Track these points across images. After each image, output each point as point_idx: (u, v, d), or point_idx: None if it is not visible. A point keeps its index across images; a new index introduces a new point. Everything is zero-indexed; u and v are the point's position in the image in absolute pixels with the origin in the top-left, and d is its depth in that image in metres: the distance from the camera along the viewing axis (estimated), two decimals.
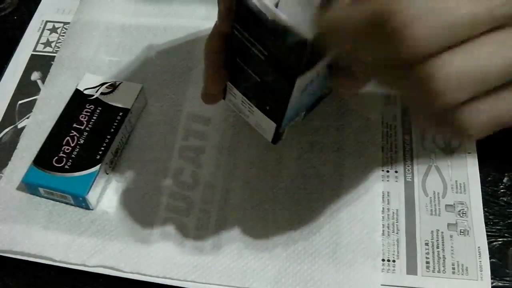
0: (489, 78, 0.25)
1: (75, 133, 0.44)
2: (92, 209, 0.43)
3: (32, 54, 0.53)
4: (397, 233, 0.41)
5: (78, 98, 0.47)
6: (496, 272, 0.40)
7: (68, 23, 0.55)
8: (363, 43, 0.26)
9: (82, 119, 0.45)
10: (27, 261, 0.41)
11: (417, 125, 0.46)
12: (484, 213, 0.42)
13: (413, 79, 0.25)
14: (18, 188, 0.44)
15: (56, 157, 0.43)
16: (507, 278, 0.39)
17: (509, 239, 0.41)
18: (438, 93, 0.25)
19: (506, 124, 0.27)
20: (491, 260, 0.40)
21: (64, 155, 0.43)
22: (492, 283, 0.39)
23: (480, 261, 0.40)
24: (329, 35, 0.27)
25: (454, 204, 0.42)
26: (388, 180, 0.44)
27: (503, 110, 0.27)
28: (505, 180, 0.44)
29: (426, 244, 0.41)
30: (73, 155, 0.43)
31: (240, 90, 0.38)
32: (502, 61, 0.25)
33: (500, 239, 0.41)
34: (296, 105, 0.36)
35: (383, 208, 0.42)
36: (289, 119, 0.38)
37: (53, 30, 0.55)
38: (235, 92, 0.39)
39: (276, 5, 0.32)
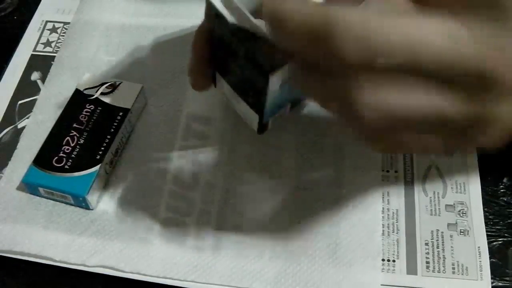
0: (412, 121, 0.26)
1: (75, 133, 0.44)
2: (92, 209, 0.43)
3: (32, 54, 0.53)
4: (397, 233, 0.41)
5: (78, 98, 0.47)
6: (496, 272, 0.40)
7: (68, 23, 0.55)
8: (302, 42, 0.26)
9: (82, 119, 0.45)
10: (27, 261, 0.41)
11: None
12: (484, 213, 0.42)
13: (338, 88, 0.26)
14: (18, 188, 0.44)
15: (56, 157, 0.43)
16: (507, 278, 0.39)
17: (509, 239, 0.41)
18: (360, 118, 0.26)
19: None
20: (491, 260, 0.40)
21: (64, 155, 0.43)
22: (492, 283, 0.39)
23: (480, 261, 0.40)
24: (273, 26, 0.27)
25: (454, 204, 0.43)
26: (388, 180, 0.44)
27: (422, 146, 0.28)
28: (505, 180, 0.44)
29: (426, 244, 0.41)
30: (73, 155, 0.43)
31: (226, 81, 0.39)
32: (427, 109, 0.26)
33: (500, 239, 0.41)
34: (277, 99, 0.36)
35: (383, 208, 0.42)
36: (272, 112, 0.39)
37: (53, 30, 0.55)
38: (223, 81, 0.39)
39: None
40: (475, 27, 0.25)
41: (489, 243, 0.41)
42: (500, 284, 0.39)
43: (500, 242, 0.41)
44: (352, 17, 0.25)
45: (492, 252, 0.40)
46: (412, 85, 0.25)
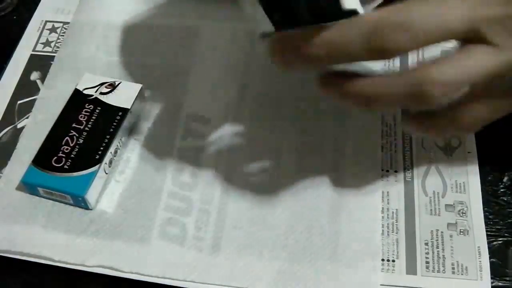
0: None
1: (74, 133, 0.44)
2: (91, 209, 0.43)
3: (31, 54, 0.53)
4: (396, 233, 0.41)
5: (78, 98, 0.47)
6: (496, 272, 0.39)
7: (68, 23, 0.55)
8: (356, 53, 0.30)
9: (82, 119, 0.45)
10: (26, 261, 0.41)
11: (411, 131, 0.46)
12: (484, 212, 0.42)
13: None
14: (18, 188, 0.44)
15: (56, 157, 0.43)
16: (507, 278, 0.39)
17: (509, 238, 0.41)
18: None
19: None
20: (491, 260, 0.40)
21: (64, 155, 0.43)
22: (492, 282, 0.39)
23: (480, 261, 0.40)
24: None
25: (454, 203, 0.42)
26: (387, 180, 0.44)
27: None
28: (505, 179, 0.44)
29: (426, 244, 0.41)
30: (72, 155, 0.43)
31: None
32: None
33: (500, 239, 0.41)
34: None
35: (382, 208, 0.42)
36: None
37: (53, 30, 0.55)
38: None
39: None
40: None
41: (489, 243, 0.41)
42: (500, 284, 0.39)
43: (500, 242, 0.41)
44: (389, 12, 0.29)
45: (492, 252, 0.40)
46: (461, 55, 0.30)
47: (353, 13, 0.31)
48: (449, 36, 0.30)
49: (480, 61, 0.30)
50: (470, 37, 0.30)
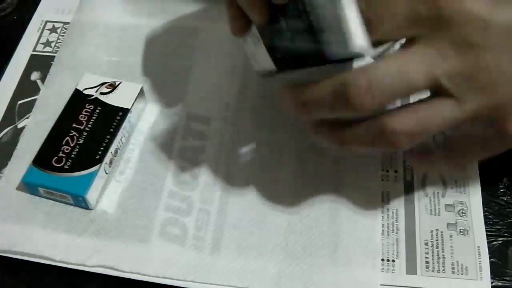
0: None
1: (74, 133, 0.44)
2: (91, 209, 0.43)
3: (31, 54, 0.53)
4: (396, 232, 0.41)
5: (78, 98, 0.47)
6: (496, 272, 0.39)
7: (68, 23, 0.55)
8: (330, 109, 0.33)
9: (82, 119, 0.45)
10: (27, 261, 0.41)
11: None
12: (483, 212, 0.42)
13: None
14: (18, 188, 0.44)
15: (56, 157, 0.43)
16: (507, 278, 0.39)
17: (509, 238, 0.41)
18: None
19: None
20: (491, 259, 0.40)
21: (64, 155, 0.43)
22: (492, 282, 0.39)
23: (480, 261, 0.40)
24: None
25: (453, 203, 0.42)
26: (387, 180, 0.44)
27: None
28: (505, 180, 0.44)
29: (426, 243, 0.41)
30: (72, 155, 0.43)
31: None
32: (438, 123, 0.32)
33: (500, 239, 0.41)
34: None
35: (382, 208, 0.42)
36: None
37: (53, 30, 0.55)
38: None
39: None
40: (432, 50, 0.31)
41: (489, 242, 0.41)
42: (500, 284, 0.39)
43: (500, 241, 0.41)
44: (356, 74, 0.31)
45: (492, 251, 0.40)
46: (422, 106, 0.32)
47: (356, 56, 0.32)
48: (412, 91, 0.32)
49: (440, 113, 0.32)
50: (433, 90, 0.32)
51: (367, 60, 0.33)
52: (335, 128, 0.35)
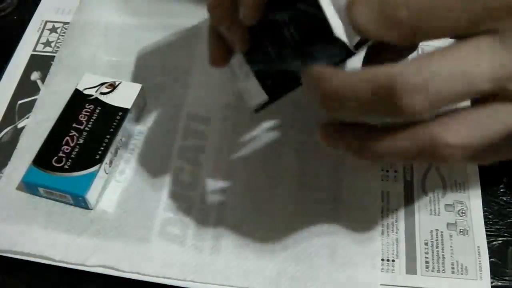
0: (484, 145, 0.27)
1: (74, 133, 0.44)
2: (91, 209, 0.43)
3: (31, 54, 0.53)
4: (396, 232, 0.41)
5: (78, 98, 0.47)
6: (496, 272, 0.40)
7: (68, 23, 0.55)
8: (366, 109, 0.27)
9: (82, 119, 0.45)
10: (27, 261, 0.41)
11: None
12: (483, 212, 0.42)
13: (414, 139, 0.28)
14: (18, 188, 0.44)
15: (56, 157, 0.43)
16: (507, 278, 0.39)
17: (509, 238, 0.41)
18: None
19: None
20: (491, 259, 0.40)
21: (64, 155, 0.43)
22: (491, 282, 0.39)
23: (480, 261, 0.40)
24: (333, 103, 0.28)
25: (453, 203, 0.43)
26: (387, 180, 0.44)
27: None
28: (505, 179, 0.44)
29: (426, 243, 0.41)
30: (72, 155, 0.43)
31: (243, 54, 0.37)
32: (492, 133, 0.27)
33: (500, 239, 0.41)
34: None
35: (382, 208, 0.42)
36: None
37: (53, 30, 0.55)
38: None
39: None
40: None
41: (488, 242, 0.41)
42: (499, 283, 0.39)
43: (499, 241, 0.41)
44: (407, 69, 0.26)
45: (491, 251, 0.40)
46: (479, 112, 0.27)
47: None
48: (474, 94, 0.27)
49: (503, 121, 0.27)
50: (493, 94, 0.27)
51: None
52: (366, 136, 0.29)
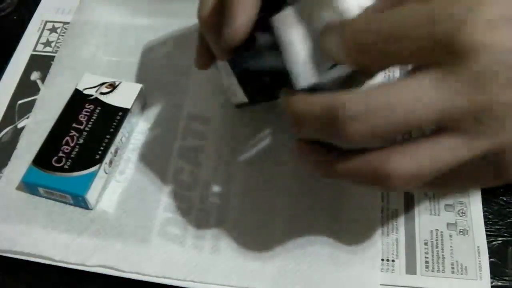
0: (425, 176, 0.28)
1: (74, 133, 0.44)
2: (91, 209, 0.43)
3: (31, 54, 0.53)
4: (396, 232, 0.41)
5: (78, 98, 0.47)
6: (496, 272, 0.40)
7: (68, 23, 0.55)
8: (320, 133, 0.30)
9: (82, 119, 0.45)
10: (27, 261, 0.41)
11: None
12: (483, 212, 0.42)
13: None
14: (18, 188, 0.44)
15: (56, 157, 0.43)
16: (507, 278, 0.39)
17: (509, 238, 0.41)
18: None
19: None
20: (491, 259, 0.40)
21: (64, 155, 0.43)
22: (491, 282, 0.39)
23: (480, 261, 0.40)
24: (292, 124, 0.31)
25: (453, 203, 0.42)
26: None
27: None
28: None
29: (426, 243, 0.41)
30: (72, 155, 0.43)
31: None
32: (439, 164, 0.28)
33: (500, 239, 0.41)
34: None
35: (382, 208, 0.42)
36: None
37: (53, 30, 0.55)
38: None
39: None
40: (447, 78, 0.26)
41: (488, 242, 0.41)
42: (499, 284, 0.39)
43: (499, 241, 0.41)
44: (351, 98, 0.27)
45: (491, 251, 0.40)
46: (428, 143, 0.28)
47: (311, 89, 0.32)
48: (417, 126, 0.27)
49: (446, 153, 0.27)
50: (440, 126, 0.28)
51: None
52: (330, 156, 0.31)
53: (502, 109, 0.26)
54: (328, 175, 0.32)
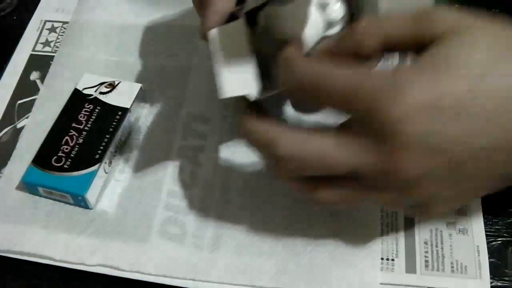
0: None
1: (74, 132, 0.44)
2: (91, 208, 0.43)
3: (31, 54, 0.53)
4: (396, 231, 0.41)
5: (77, 98, 0.47)
6: (495, 272, 0.39)
7: (67, 22, 0.55)
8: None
9: (81, 119, 0.45)
10: (27, 260, 0.41)
11: None
12: (483, 212, 0.42)
13: None
14: (18, 188, 0.44)
15: (55, 157, 0.43)
16: (506, 278, 0.39)
17: (508, 238, 0.41)
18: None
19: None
20: (490, 260, 0.40)
21: (63, 155, 0.43)
22: (491, 282, 0.39)
23: (479, 260, 0.40)
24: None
25: None
26: None
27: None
28: None
29: (425, 243, 0.41)
30: (72, 155, 0.43)
31: None
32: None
33: (499, 239, 0.41)
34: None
35: (382, 207, 0.42)
36: None
37: (52, 29, 0.55)
38: None
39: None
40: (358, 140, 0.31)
41: (488, 243, 0.41)
42: (499, 284, 0.39)
43: (499, 242, 0.41)
44: (284, 139, 0.33)
45: (491, 252, 0.40)
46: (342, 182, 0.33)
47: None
48: (333, 173, 0.32)
49: (357, 194, 0.34)
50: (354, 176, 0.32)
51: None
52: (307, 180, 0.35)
53: (405, 169, 0.30)
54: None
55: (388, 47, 0.32)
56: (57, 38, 0.54)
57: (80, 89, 0.47)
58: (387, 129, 0.30)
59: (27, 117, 0.49)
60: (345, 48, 0.33)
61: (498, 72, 0.30)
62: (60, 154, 0.43)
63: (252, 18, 0.35)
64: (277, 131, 0.34)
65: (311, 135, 0.33)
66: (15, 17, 0.57)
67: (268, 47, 0.35)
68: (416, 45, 0.31)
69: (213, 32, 0.33)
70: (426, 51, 0.31)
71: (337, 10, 0.35)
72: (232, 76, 0.34)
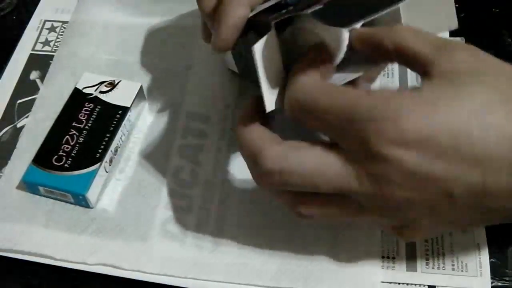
0: None
1: (74, 131, 0.44)
2: (92, 208, 0.43)
3: (31, 54, 0.53)
4: None
5: (77, 97, 0.47)
6: (496, 272, 0.39)
7: (67, 22, 0.55)
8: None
9: (81, 118, 0.45)
10: (27, 260, 0.41)
11: None
12: None
13: None
14: (18, 187, 0.44)
15: (56, 156, 0.43)
16: (507, 278, 0.39)
17: (509, 238, 0.41)
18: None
19: None
20: (491, 260, 0.40)
21: (64, 154, 0.43)
22: (491, 282, 0.39)
23: (480, 258, 0.40)
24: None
25: None
26: None
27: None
28: None
29: (426, 241, 0.41)
30: (72, 154, 0.43)
31: None
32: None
33: (500, 239, 0.41)
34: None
35: None
36: None
37: (52, 29, 0.55)
38: None
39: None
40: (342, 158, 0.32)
41: (488, 243, 0.41)
42: (500, 284, 0.39)
43: (499, 242, 0.41)
44: (271, 154, 0.33)
45: (492, 252, 0.40)
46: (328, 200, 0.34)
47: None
48: (321, 191, 0.32)
49: (344, 211, 0.34)
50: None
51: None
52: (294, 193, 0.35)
53: (392, 198, 0.31)
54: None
55: (400, 56, 0.32)
56: (57, 38, 0.54)
57: (80, 88, 0.47)
58: (379, 153, 0.30)
59: (27, 117, 0.49)
60: (368, 41, 0.34)
61: (500, 116, 0.30)
62: (60, 153, 0.43)
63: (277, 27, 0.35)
64: (264, 143, 0.34)
65: (298, 151, 0.33)
66: (15, 17, 0.57)
67: (290, 58, 0.35)
68: (424, 70, 0.31)
69: (257, 47, 0.33)
70: (432, 80, 0.31)
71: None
72: (274, 89, 0.35)
